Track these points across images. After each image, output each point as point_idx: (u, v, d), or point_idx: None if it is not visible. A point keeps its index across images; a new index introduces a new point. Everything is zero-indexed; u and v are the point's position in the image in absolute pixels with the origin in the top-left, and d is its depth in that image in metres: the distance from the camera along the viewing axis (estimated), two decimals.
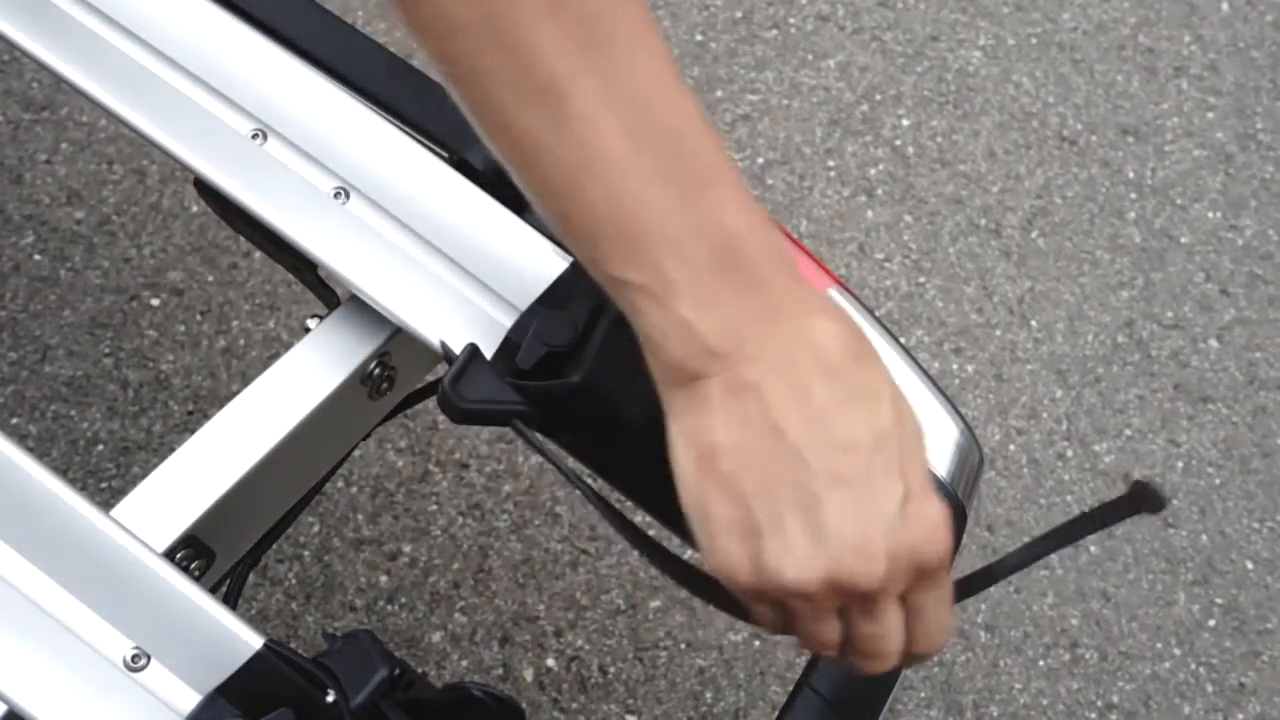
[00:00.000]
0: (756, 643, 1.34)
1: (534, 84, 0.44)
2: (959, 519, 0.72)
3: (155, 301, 1.45)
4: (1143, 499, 0.51)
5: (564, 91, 0.43)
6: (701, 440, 0.47)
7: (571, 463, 0.68)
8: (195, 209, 1.51)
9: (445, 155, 0.70)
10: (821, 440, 0.45)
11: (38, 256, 1.46)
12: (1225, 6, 1.94)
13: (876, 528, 0.45)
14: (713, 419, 0.47)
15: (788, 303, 0.47)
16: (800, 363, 0.46)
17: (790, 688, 0.68)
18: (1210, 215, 1.73)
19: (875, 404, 0.46)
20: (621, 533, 0.59)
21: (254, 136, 0.68)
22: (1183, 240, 1.71)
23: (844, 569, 0.45)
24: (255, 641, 0.51)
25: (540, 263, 0.65)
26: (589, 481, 0.58)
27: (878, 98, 1.76)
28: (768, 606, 0.49)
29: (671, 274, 0.45)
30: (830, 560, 0.45)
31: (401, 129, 0.69)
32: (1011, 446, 1.51)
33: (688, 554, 1.34)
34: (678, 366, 0.47)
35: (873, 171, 1.69)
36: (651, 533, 1.40)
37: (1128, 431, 1.54)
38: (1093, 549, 1.46)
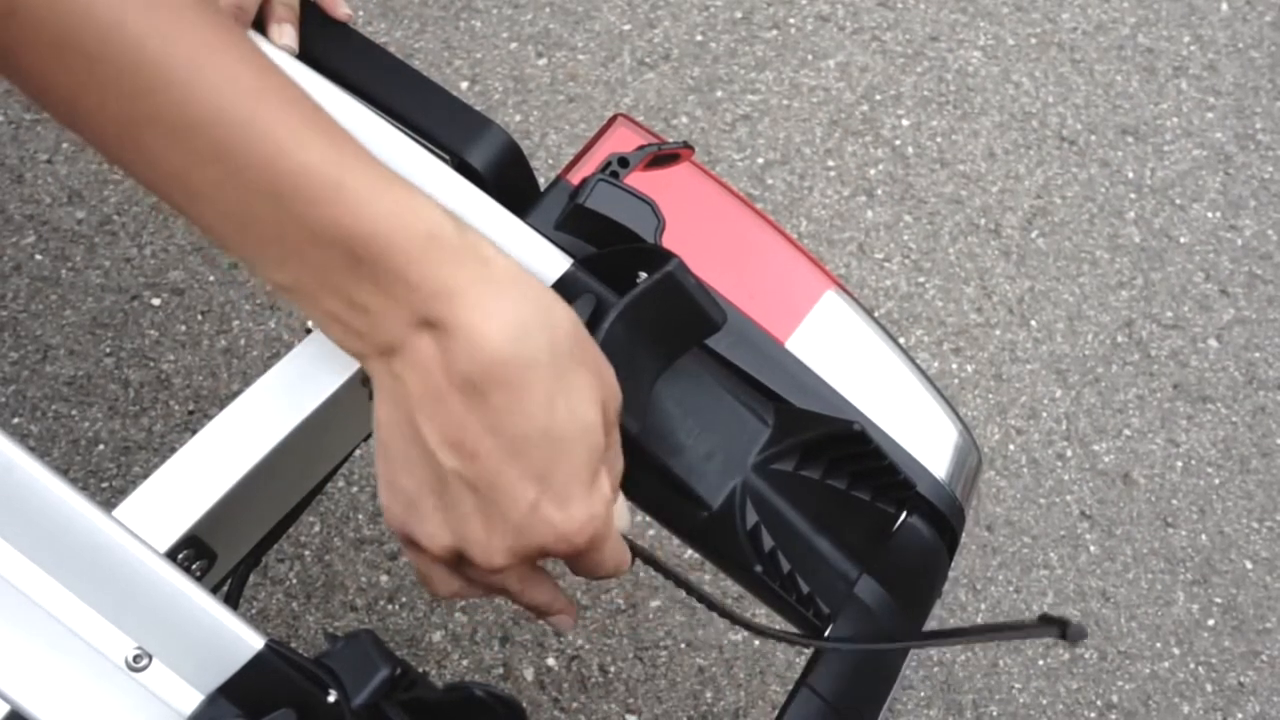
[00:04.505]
0: (756, 643, 1.34)
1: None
2: (957, 519, 0.72)
3: (156, 301, 1.45)
4: (1066, 632, 0.56)
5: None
6: (375, 406, 0.50)
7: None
8: None
9: (445, 157, 0.70)
10: (450, 443, 0.47)
11: (39, 256, 1.46)
12: (1225, 6, 1.94)
13: (496, 525, 0.48)
14: (379, 396, 0.50)
15: (438, 304, 0.46)
16: (436, 367, 0.47)
17: (790, 687, 0.68)
18: (1210, 215, 1.73)
19: (513, 409, 0.47)
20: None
21: None
22: (1182, 240, 1.71)
23: (461, 547, 0.49)
24: (257, 642, 0.51)
25: (540, 264, 0.65)
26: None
27: (878, 98, 1.76)
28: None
29: (305, 274, 0.46)
30: (452, 540, 0.49)
31: (401, 130, 0.69)
32: (1011, 446, 1.51)
33: (686, 554, 1.35)
34: (345, 349, 0.50)
35: (873, 171, 1.69)
36: (651, 533, 1.41)
37: (1127, 431, 1.55)
38: (1092, 548, 1.46)
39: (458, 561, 0.51)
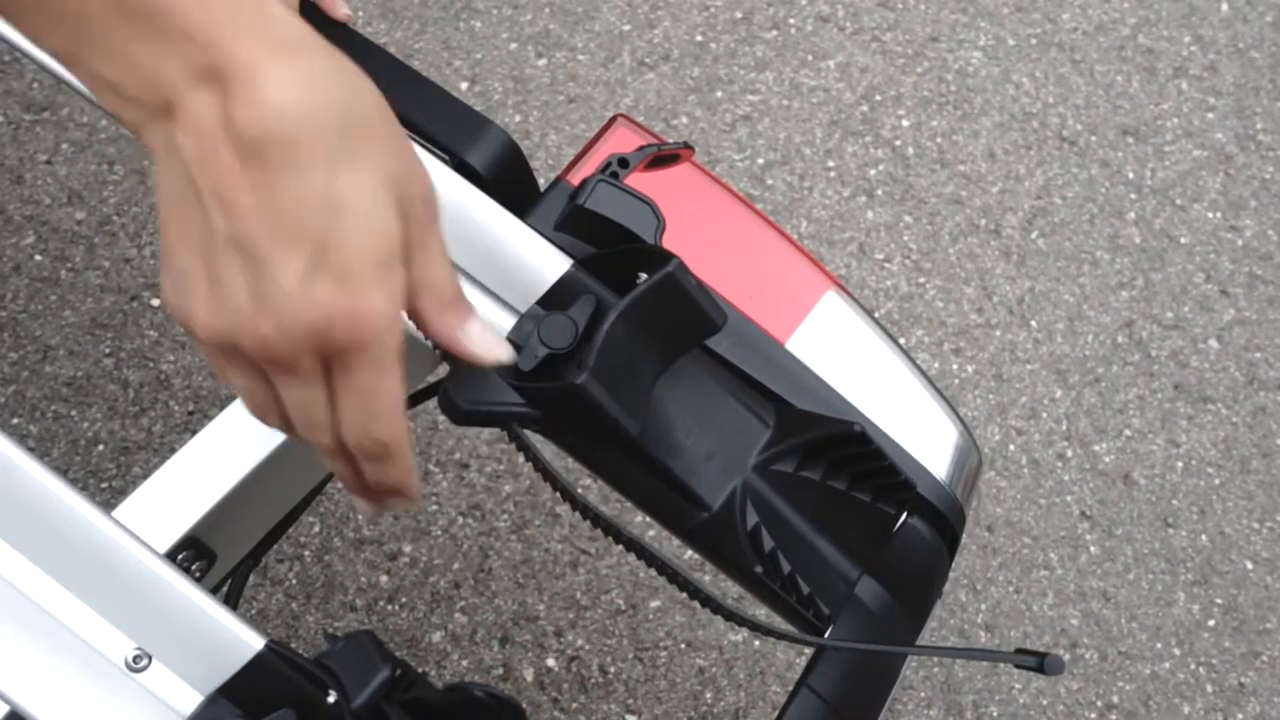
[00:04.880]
0: (756, 643, 1.34)
1: None
2: (957, 519, 0.72)
3: (156, 302, 1.45)
4: (1043, 664, 0.60)
5: None
6: (156, 180, 0.48)
7: (572, 463, 0.68)
8: None
9: (445, 158, 0.70)
10: (223, 201, 0.44)
11: (38, 257, 1.46)
12: (1225, 7, 1.94)
13: (265, 297, 0.45)
14: (159, 167, 0.47)
15: (216, 54, 0.44)
16: (214, 123, 0.44)
17: (790, 688, 0.68)
18: (1210, 215, 1.73)
19: (292, 172, 0.44)
20: (617, 540, 0.60)
21: None
22: (1183, 240, 1.71)
23: (231, 330, 0.46)
24: (257, 642, 0.51)
25: (540, 265, 0.65)
26: (579, 491, 0.58)
27: (878, 98, 1.76)
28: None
29: (77, 35, 0.44)
30: (221, 320, 0.46)
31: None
32: (1011, 446, 1.51)
33: (686, 554, 1.35)
34: (121, 118, 0.47)
35: (873, 172, 1.69)
36: (651, 533, 1.41)
37: (1127, 431, 1.55)
38: (1092, 549, 1.46)
39: (233, 351, 0.47)
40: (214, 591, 0.64)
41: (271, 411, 0.50)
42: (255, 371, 0.48)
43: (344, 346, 0.46)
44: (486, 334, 0.53)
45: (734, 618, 0.60)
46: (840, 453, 0.66)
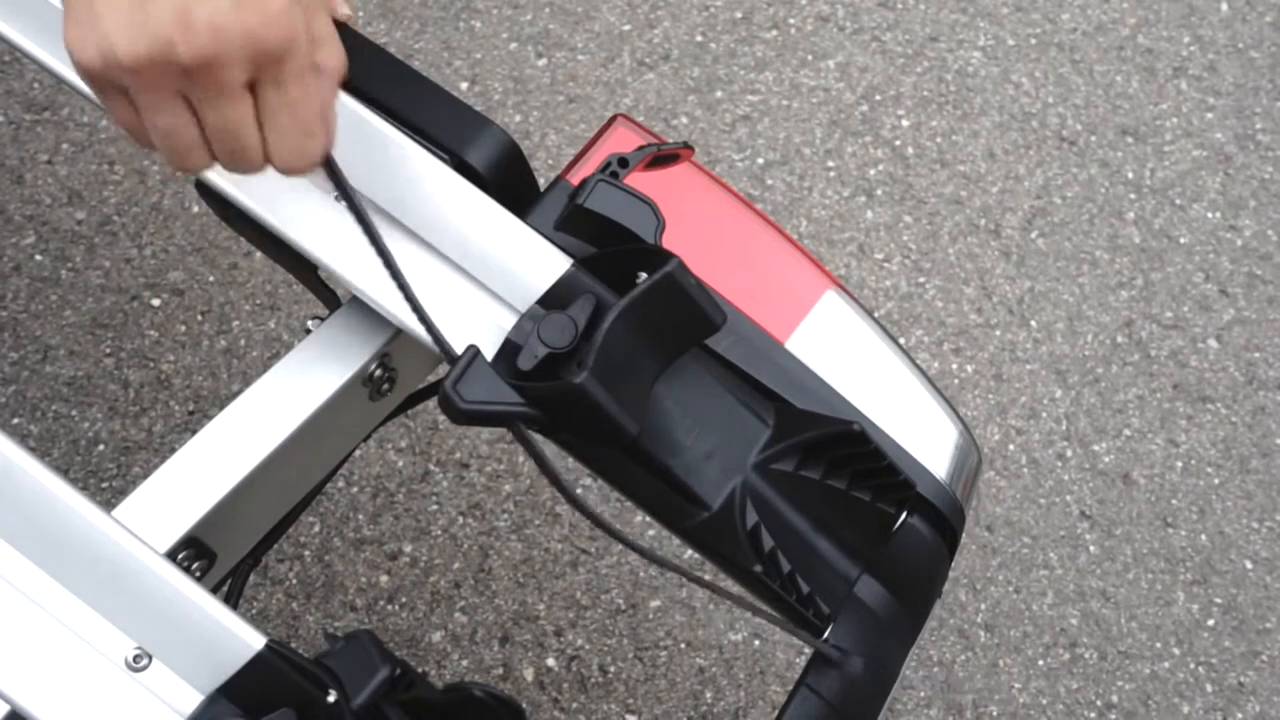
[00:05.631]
0: (756, 642, 1.34)
1: None
2: (957, 519, 0.72)
3: (156, 302, 1.45)
4: None
5: None
6: None
7: (572, 462, 0.68)
8: (196, 209, 1.51)
9: (445, 158, 0.70)
10: None
11: (39, 257, 1.46)
12: (1224, 7, 1.94)
13: (205, 3, 0.47)
14: None
15: None
16: None
17: (790, 688, 0.68)
18: (1209, 215, 1.73)
19: None
20: (613, 537, 0.60)
21: None
22: (1182, 240, 1.71)
23: (164, 39, 0.47)
24: (257, 642, 0.51)
25: (540, 265, 0.65)
26: (579, 491, 0.58)
27: (877, 98, 1.76)
28: (117, 99, 0.51)
29: None
30: (153, 31, 0.47)
31: (402, 131, 0.69)
32: (1011, 446, 1.51)
33: (686, 554, 1.35)
34: None
35: (872, 172, 1.69)
36: (651, 533, 1.41)
37: (1127, 431, 1.55)
38: (1092, 548, 1.46)
39: (162, 71, 0.48)
40: (214, 591, 0.65)
41: (198, 147, 0.51)
42: (179, 102, 0.50)
43: (271, 54, 0.48)
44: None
45: (743, 603, 0.60)
46: (840, 452, 0.66)
